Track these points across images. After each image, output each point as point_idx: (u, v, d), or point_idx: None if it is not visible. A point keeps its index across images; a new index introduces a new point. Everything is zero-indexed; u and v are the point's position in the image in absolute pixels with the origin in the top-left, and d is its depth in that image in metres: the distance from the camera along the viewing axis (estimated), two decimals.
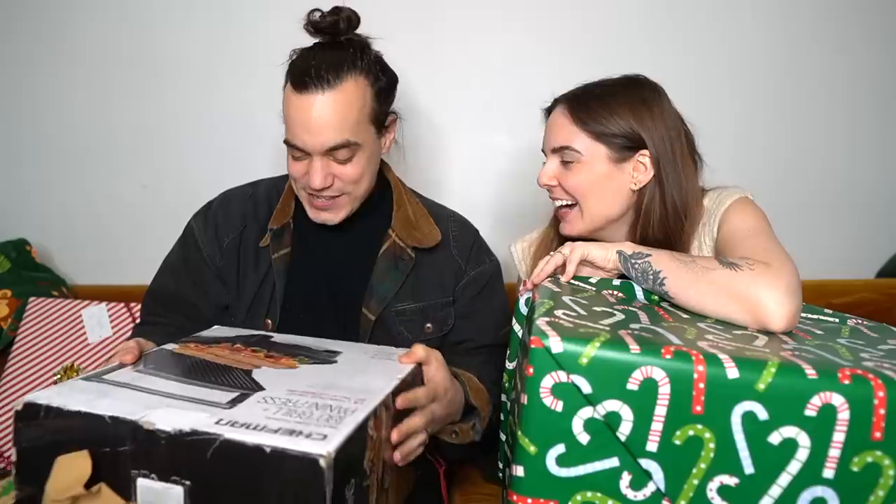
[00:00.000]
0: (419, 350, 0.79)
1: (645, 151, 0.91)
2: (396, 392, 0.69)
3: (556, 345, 0.55)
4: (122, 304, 1.30)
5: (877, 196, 1.53)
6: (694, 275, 0.74)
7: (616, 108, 0.91)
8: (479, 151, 1.50)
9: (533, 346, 0.55)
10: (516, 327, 0.79)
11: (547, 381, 0.55)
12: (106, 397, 0.58)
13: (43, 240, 1.52)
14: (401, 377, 0.72)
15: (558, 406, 0.55)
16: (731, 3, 1.46)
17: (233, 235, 1.03)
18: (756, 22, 1.47)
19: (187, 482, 0.52)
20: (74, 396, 0.57)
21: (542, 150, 1.00)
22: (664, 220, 0.92)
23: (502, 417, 0.85)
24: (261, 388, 0.63)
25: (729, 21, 1.47)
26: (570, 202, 0.96)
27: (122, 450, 0.53)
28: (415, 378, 0.76)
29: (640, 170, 0.92)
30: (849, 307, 0.86)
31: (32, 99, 1.50)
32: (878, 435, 0.52)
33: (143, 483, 0.53)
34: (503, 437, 0.82)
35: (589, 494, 0.56)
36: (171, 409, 0.56)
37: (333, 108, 0.90)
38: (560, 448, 0.56)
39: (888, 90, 1.50)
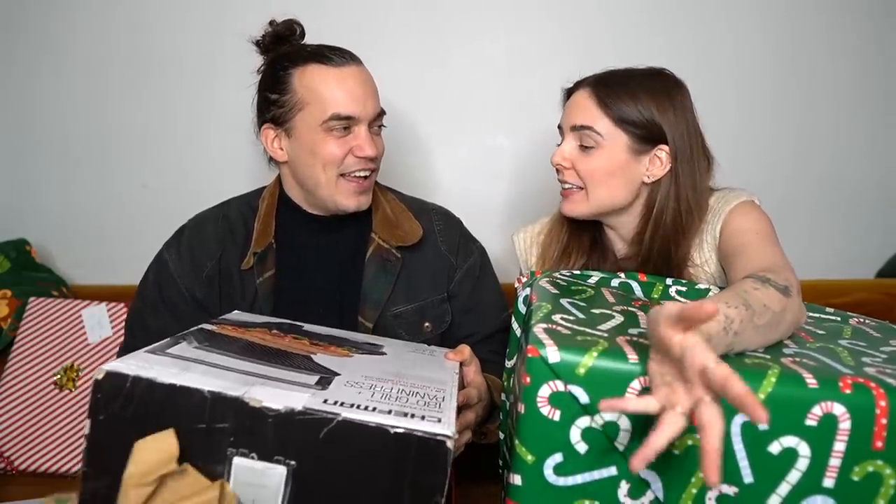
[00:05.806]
0: (467, 350, 0.80)
1: (664, 146, 0.91)
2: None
3: (553, 354, 0.54)
4: (122, 304, 1.30)
5: (876, 196, 1.52)
6: (765, 335, 0.64)
7: (641, 95, 0.90)
8: (479, 151, 1.49)
9: (530, 355, 0.55)
10: (514, 326, 0.79)
11: (544, 391, 0.55)
12: (188, 371, 0.54)
13: (43, 240, 1.51)
14: (457, 373, 0.73)
15: (555, 415, 0.55)
16: (730, 3, 1.45)
17: (211, 264, 0.99)
18: (756, 22, 1.46)
19: (292, 462, 0.50)
20: (158, 369, 0.53)
21: (559, 127, 0.98)
22: (677, 216, 0.92)
23: (501, 417, 0.85)
24: (336, 373, 0.62)
25: (729, 21, 1.46)
26: (578, 185, 0.95)
27: (219, 427, 0.50)
28: (460, 377, 0.77)
29: (656, 164, 0.92)
30: (848, 307, 0.85)
31: (32, 99, 1.50)
32: (879, 444, 0.52)
33: (240, 462, 0.50)
34: (501, 435, 0.82)
35: (587, 503, 0.56)
36: (267, 387, 0.53)
37: (369, 78, 0.96)
38: (558, 457, 0.55)
39: (888, 90, 1.49)
